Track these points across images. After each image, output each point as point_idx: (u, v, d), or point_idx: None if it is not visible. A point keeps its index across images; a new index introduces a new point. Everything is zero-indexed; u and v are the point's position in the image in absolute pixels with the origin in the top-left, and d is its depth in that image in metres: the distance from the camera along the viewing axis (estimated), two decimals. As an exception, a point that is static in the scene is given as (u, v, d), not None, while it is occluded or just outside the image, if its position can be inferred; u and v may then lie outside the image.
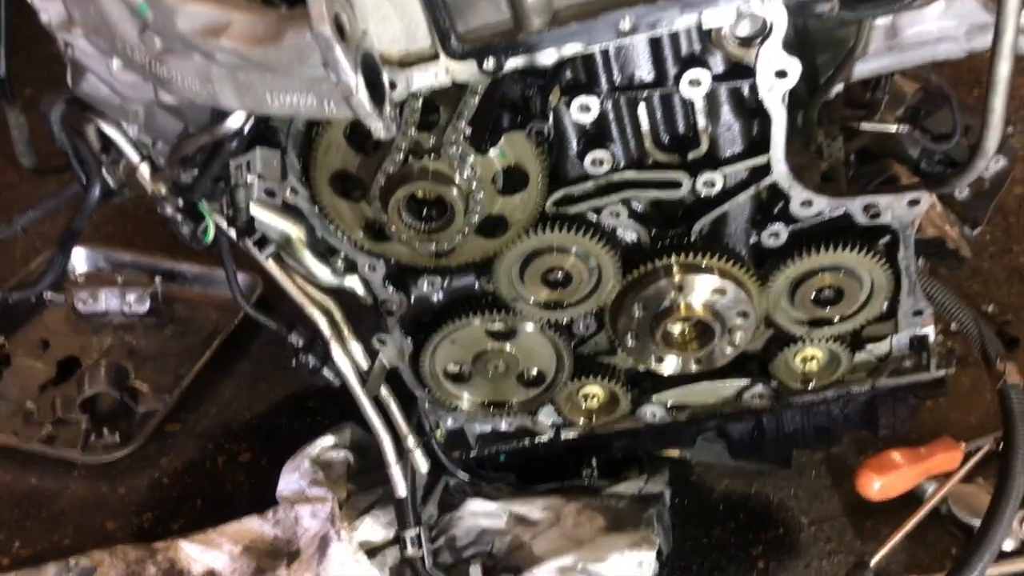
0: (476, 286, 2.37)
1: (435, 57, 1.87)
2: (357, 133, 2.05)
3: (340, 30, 1.69)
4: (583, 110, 2.08)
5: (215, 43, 1.81)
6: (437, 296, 2.40)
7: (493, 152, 2.10)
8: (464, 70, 1.91)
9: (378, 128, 1.79)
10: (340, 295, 2.51)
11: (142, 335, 3.81)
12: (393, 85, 1.89)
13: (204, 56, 1.71)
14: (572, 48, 1.85)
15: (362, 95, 1.73)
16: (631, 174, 2.19)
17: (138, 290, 3.88)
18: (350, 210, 2.24)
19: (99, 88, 2.15)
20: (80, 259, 4.11)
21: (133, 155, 2.30)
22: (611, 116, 2.13)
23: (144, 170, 2.28)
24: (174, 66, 1.76)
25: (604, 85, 2.08)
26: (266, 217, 2.35)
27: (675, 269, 2.24)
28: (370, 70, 1.77)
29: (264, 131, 2.11)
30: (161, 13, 1.83)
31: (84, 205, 2.47)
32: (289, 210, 2.30)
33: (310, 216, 2.30)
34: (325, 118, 1.89)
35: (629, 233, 2.32)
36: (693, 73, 2.00)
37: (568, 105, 2.06)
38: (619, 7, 1.91)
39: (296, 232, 2.34)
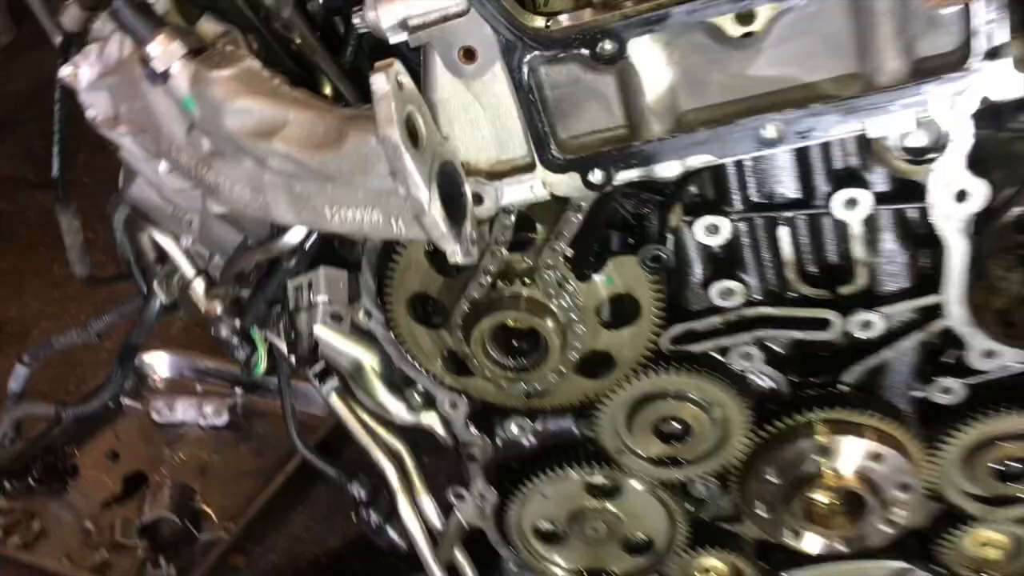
0: (574, 432, 2.07)
1: (531, 168, 1.62)
2: (441, 252, 1.71)
3: (412, 134, 1.38)
4: (710, 232, 1.81)
5: (267, 146, 1.51)
6: (528, 441, 2.10)
7: (598, 278, 1.85)
8: (565, 183, 1.64)
9: (455, 252, 1.48)
10: (413, 439, 2.13)
11: (216, 450, 3.57)
12: (479, 199, 1.58)
13: (255, 161, 1.48)
14: (699, 160, 1.55)
15: (436, 212, 1.40)
16: (768, 310, 1.88)
17: (217, 401, 3.66)
18: (430, 338, 1.99)
19: (149, 194, 1.87)
20: (162, 364, 3.93)
21: (187, 268, 2.01)
22: (745, 240, 1.86)
23: (198, 286, 1.97)
24: (222, 171, 1.52)
25: (737, 203, 1.81)
26: (335, 341, 2.02)
27: (820, 427, 1.91)
28: (448, 182, 1.46)
29: (332, 247, 1.90)
30: (208, 109, 1.54)
31: (142, 319, 2.20)
32: (361, 335, 2.06)
33: (384, 343, 2.06)
34: (393, 238, 1.53)
35: (763, 380, 1.99)
36: (849, 192, 1.70)
37: (691, 226, 1.80)
38: (760, 112, 1.52)
39: (368, 360, 2.09)
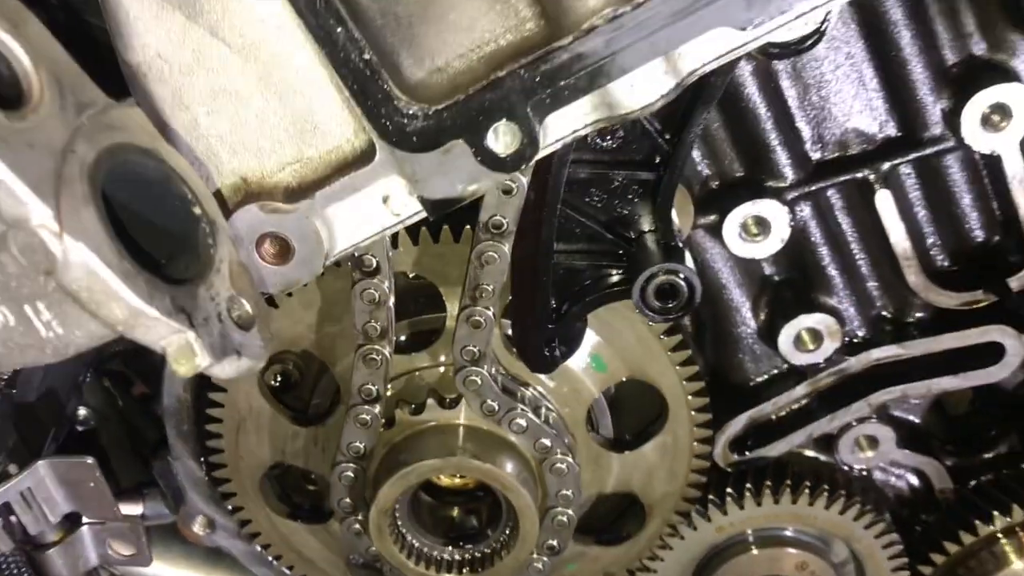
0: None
1: (369, 155, 0.88)
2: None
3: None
4: (755, 232, 1.15)
5: None
6: None
7: (577, 364, 1.21)
8: (446, 172, 0.88)
9: (196, 355, 0.65)
10: None
11: None
12: (279, 245, 0.90)
13: None
14: (704, 49, 0.83)
15: (95, 254, 0.58)
16: (888, 350, 1.26)
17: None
18: (316, 538, 1.41)
19: None
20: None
21: None
22: (817, 234, 1.23)
23: None
24: None
25: (789, 171, 1.17)
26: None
27: (1004, 542, 1.37)
28: (141, 196, 0.67)
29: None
30: None
31: None
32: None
33: (248, 563, 1.45)
34: (58, 354, 0.71)
35: (902, 475, 1.43)
36: (996, 92, 1.07)
37: (720, 229, 1.17)
38: None
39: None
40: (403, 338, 1.20)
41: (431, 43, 0.88)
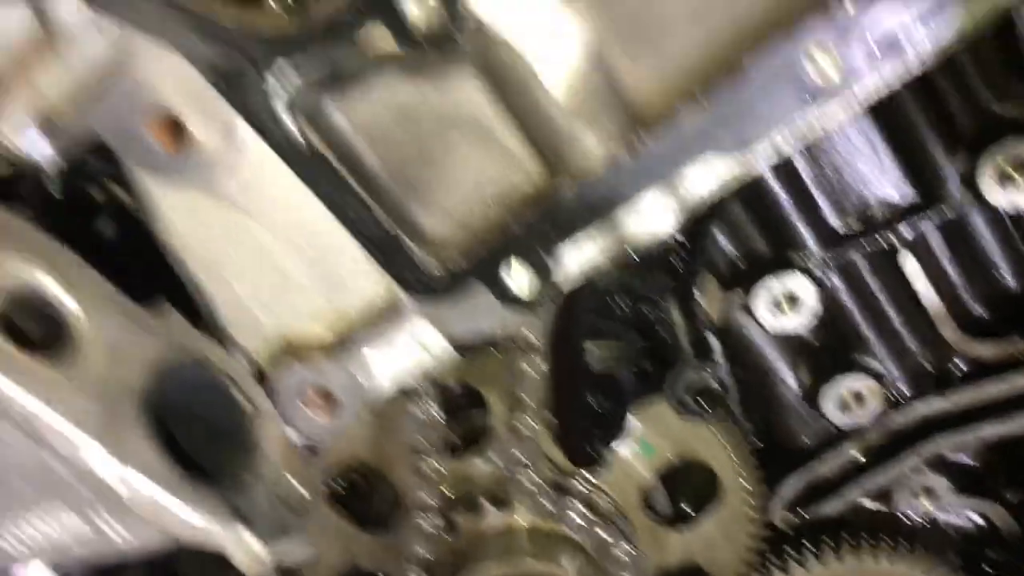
0: None
1: (398, 308, 0.92)
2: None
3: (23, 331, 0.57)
4: (784, 307, 1.16)
5: None
6: None
7: (625, 451, 1.21)
8: (469, 314, 0.90)
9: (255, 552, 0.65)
10: None
11: None
12: (326, 400, 0.92)
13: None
14: (705, 178, 0.85)
15: (150, 479, 0.58)
16: (933, 404, 1.24)
17: None
18: None
19: None
20: None
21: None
22: (848, 299, 1.21)
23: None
24: None
25: (811, 242, 1.17)
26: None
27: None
28: (190, 398, 0.68)
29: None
30: None
31: None
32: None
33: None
34: (125, 551, 0.73)
35: (962, 517, 1.39)
36: (1009, 149, 1.05)
37: (748, 307, 1.17)
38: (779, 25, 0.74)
39: None
40: (453, 438, 1.21)
41: (441, 197, 0.91)
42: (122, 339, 0.70)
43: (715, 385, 1.02)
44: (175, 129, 0.80)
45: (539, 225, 0.85)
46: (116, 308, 0.71)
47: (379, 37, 0.75)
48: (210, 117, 0.79)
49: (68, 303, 0.67)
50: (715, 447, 1.22)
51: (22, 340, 0.64)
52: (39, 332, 0.66)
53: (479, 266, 0.88)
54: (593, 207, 0.83)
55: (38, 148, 0.84)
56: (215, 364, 0.76)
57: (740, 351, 1.25)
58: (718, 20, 0.79)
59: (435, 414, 1.11)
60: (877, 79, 0.78)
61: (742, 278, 1.18)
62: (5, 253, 0.64)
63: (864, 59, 0.78)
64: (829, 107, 0.79)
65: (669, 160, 0.81)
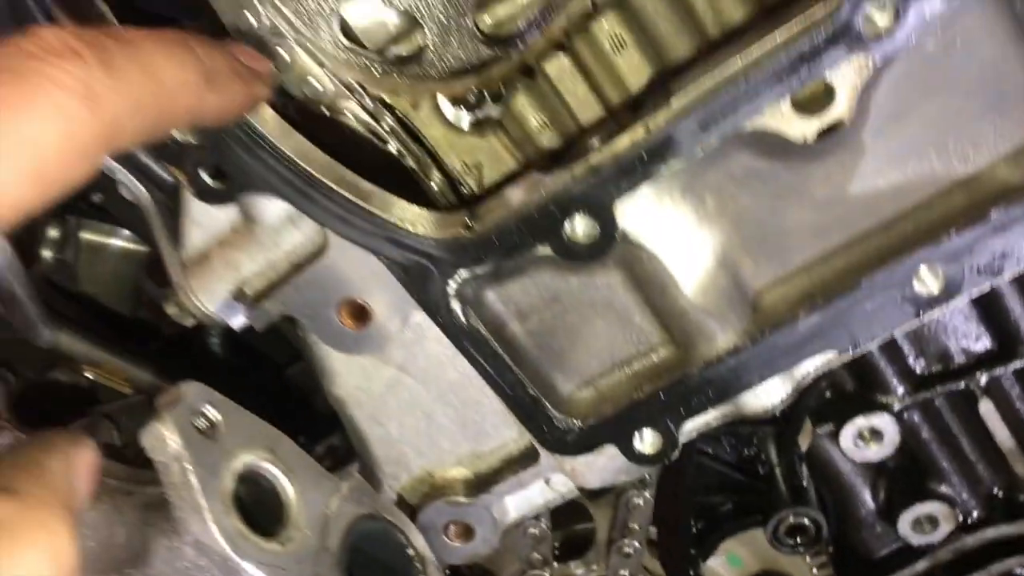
0: None
1: (533, 456, 1.03)
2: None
3: (254, 514, 0.69)
4: (868, 440, 1.23)
5: None
6: None
7: (716, 562, 1.31)
8: (599, 466, 1.00)
9: None
10: None
11: None
12: (467, 532, 1.05)
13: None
14: (814, 363, 0.94)
15: None
16: (1002, 529, 1.30)
17: None
18: None
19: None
20: None
21: None
22: (927, 435, 1.28)
23: None
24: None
25: (897, 386, 1.23)
26: None
27: None
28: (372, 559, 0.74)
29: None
30: None
31: None
32: None
33: None
34: None
35: None
36: None
37: (836, 437, 1.23)
38: (894, 251, 0.86)
39: None
40: (557, 544, 1.30)
41: (579, 366, 0.99)
42: (325, 509, 0.81)
43: (812, 528, 1.11)
44: (360, 312, 0.91)
45: (667, 399, 0.95)
46: (319, 480, 0.82)
47: (541, 250, 0.87)
48: (394, 306, 0.90)
49: (287, 486, 0.78)
50: (797, 561, 1.29)
51: (250, 520, 0.76)
52: (259, 510, 0.78)
53: (611, 429, 0.98)
54: (718, 389, 0.93)
55: (229, 313, 0.97)
56: (388, 518, 0.87)
57: (822, 470, 1.30)
58: (837, 238, 0.90)
59: (546, 527, 1.21)
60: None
61: (831, 415, 1.23)
62: (243, 448, 0.75)
63: (968, 275, 0.87)
64: (933, 313, 0.89)
65: (788, 354, 0.91)
